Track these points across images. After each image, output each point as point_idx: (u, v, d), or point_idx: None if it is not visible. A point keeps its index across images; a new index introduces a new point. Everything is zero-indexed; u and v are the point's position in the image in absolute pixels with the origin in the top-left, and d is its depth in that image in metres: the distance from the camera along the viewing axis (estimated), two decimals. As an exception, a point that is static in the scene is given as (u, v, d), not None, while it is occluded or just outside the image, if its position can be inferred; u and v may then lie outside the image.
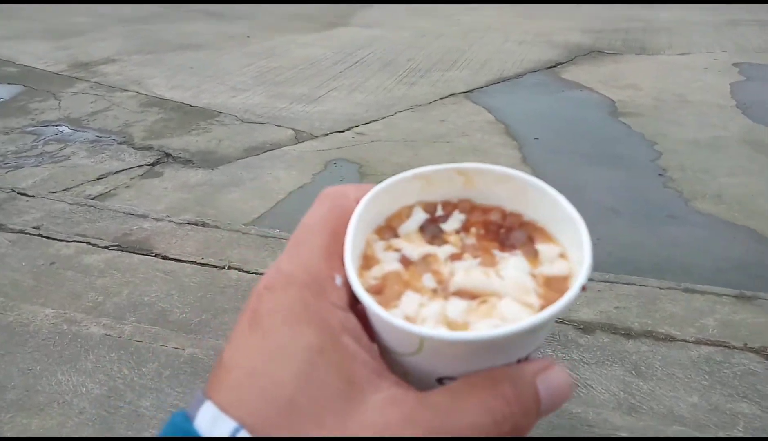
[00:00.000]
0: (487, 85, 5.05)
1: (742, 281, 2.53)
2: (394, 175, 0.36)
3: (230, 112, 4.66)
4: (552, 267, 0.32)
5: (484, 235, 0.34)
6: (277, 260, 0.32)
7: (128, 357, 1.79)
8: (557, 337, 2.04)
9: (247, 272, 2.51)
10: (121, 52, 6.13)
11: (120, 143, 4.20)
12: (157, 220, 3.00)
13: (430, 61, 5.69)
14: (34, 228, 2.89)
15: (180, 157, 3.97)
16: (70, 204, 3.22)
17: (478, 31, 6.67)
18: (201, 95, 5.01)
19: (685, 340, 2.00)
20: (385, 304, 0.30)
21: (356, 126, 4.35)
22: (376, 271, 0.32)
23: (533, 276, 0.31)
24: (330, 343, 0.28)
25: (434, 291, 0.31)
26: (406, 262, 0.33)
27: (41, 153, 4.07)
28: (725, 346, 1.95)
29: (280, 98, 4.92)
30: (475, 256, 0.32)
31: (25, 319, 2.05)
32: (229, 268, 2.54)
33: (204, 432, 0.26)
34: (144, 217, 3.03)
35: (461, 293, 0.31)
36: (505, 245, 0.33)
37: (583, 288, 0.29)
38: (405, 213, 0.35)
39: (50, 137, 4.34)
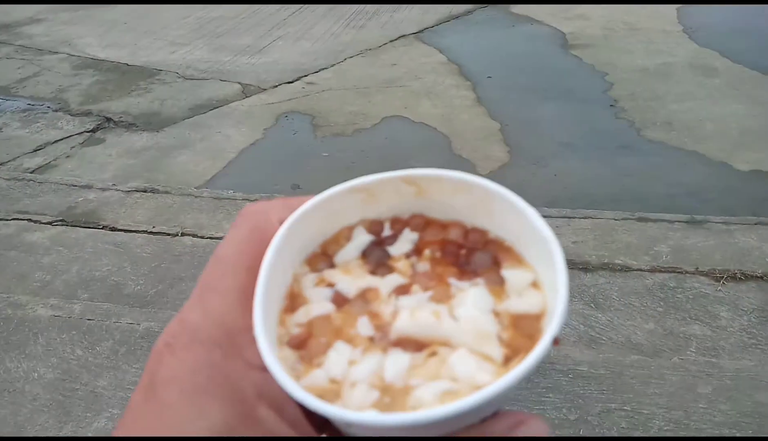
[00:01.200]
0: (437, 24, 4.92)
1: (693, 206, 2.60)
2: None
3: (171, 69, 4.42)
4: (521, 301, 0.26)
5: (440, 259, 0.28)
6: (183, 307, 0.26)
7: (81, 337, 1.72)
8: (518, 276, 2.06)
9: (202, 238, 2.43)
10: (45, 10, 5.68)
11: (55, 110, 3.94)
12: (103, 189, 2.86)
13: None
14: (-32, 209, 2.71)
15: (122, 121, 3.76)
16: (7, 179, 3.03)
17: (426, -33, 6.44)
18: (138, 53, 4.71)
19: (640, 269, 2.05)
20: (309, 361, 0.25)
21: (305, 75, 4.20)
22: (301, 315, 0.27)
23: (496, 314, 0.26)
24: (240, 420, 0.23)
25: (371, 340, 0.25)
26: (340, 300, 0.27)
27: (-32, 127, 3.80)
28: (678, 272, 2.01)
29: (223, 51, 4.68)
30: (427, 288, 0.27)
31: (-34, 307, 1.94)
32: (183, 234, 2.45)
33: None
34: (88, 187, 2.88)
35: (404, 342, 0.25)
36: (466, 271, 0.27)
37: (556, 341, 0.24)
38: (344, 235, 0.30)
39: (-24, 109, 4.04)
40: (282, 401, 0.25)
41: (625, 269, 2.06)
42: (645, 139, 3.25)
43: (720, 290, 1.90)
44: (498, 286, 0.27)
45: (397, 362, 0.25)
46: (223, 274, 0.27)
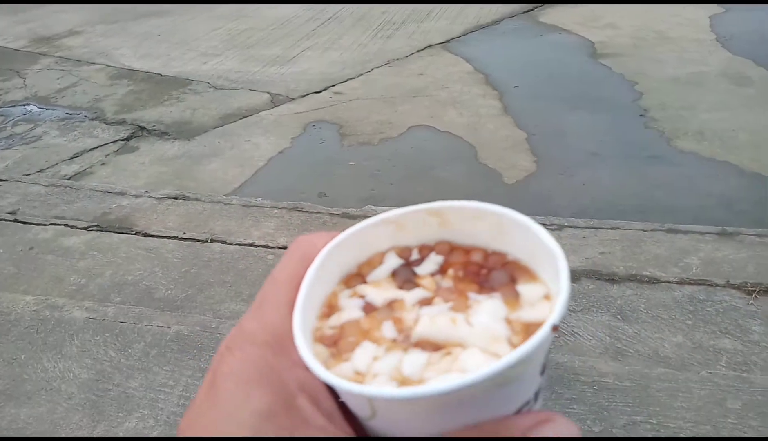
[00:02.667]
0: (464, 34, 4.93)
1: (724, 218, 2.55)
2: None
3: (202, 79, 4.53)
4: (532, 311, 0.29)
5: (462, 278, 0.31)
6: (241, 318, 0.31)
7: (113, 339, 1.78)
8: (543, 286, 2.05)
9: (231, 244, 2.48)
10: (83, 24, 5.89)
11: (92, 119, 4.08)
12: (136, 196, 2.94)
13: (404, 12, 5.53)
14: (9, 213, 2.82)
15: (155, 130, 3.87)
16: (46, 186, 3.14)
17: (453, -22, 6.47)
18: (171, 63, 4.85)
19: (668, 281, 2.02)
20: (338, 356, 0.28)
21: (333, 85, 4.25)
22: (335, 320, 0.30)
23: (509, 322, 0.28)
24: (282, 407, 0.27)
25: (393, 341, 0.28)
26: (369, 308, 0.31)
27: (10, 135, 3.95)
28: (708, 284, 1.97)
29: (253, 61, 4.78)
30: (448, 300, 0.30)
31: (5, 308, 2.02)
32: (212, 240, 2.51)
33: None
34: (122, 194, 2.97)
35: (423, 344, 0.28)
36: (484, 287, 0.30)
37: (555, 328, 0.26)
38: (377, 259, 0.33)
39: (18, 117, 4.20)
40: (319, 395, 0.28)
41: (653, 281, 2.03)
42: (676, 149, 3.20)
43: (752, 304, 1.86)
44: (513, 299, 0.29)
45: (415, 359, 0.27)
46: (276, 291, 0.32)
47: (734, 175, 2.93)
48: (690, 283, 2.00)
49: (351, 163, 3.32)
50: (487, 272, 0.31)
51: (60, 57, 5.12)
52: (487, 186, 3.02)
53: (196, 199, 2.87)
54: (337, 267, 0.32)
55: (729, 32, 4.50)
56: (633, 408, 1.46)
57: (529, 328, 0.28)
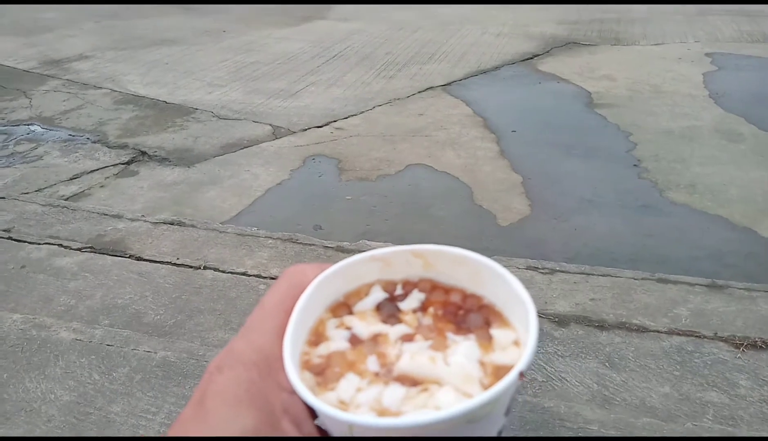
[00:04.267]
0: (465, 78, 5.05)
1: (714, 270, 2.57)
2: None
3: (207, 108, 4.61)
4: (503, 355, 0.31)
5: (441, 316, 0.34)
6: (231, 340, 0.33)
7: (99, 362, 1.76)
8: (533, 330, 2.05)
9: (223, 272, 2.48)
10: (93, 49, 6.01)
11: (94, 142, 4.12)
12: (132, 220, 2.96)
13: (407, 54, 5.67)
14: (4, 230, 2.83)
15: (156, 156, 3.91)
16: (43, 205, 3.16)
17: (455, 24, 6.66)
18: (177, 92, 4.94)
19: (657, 331, 2.02)
20: (324, 385, 0.30)
21: (335, 121, 4.33)
22: (323, 349, 0.32)
23: (482, 364, 0.31)
24: (267, 427, 0.28)
25: (376, 375, 0.31)
26: (355, 340, 0.32)
27: (12, 153, 3.99)
28: (696, 336, 1.98)
29: (258, 94, 4.87)
30: (428, 338, 0.32)
31: (-7, 325, 2.00)
32: (205, 267, 2.51)
33: None
34: (118, 217, 2.99)
35: (403, 379, 0.30)
36: (461, 328, 0.33)
37: (521, 375, 0.29)
38: (364, 291, 0.35)
39: (21, 137, 4.25)
40: (302, 419, 0.30)
41: (643, 330, 2.04)
42: (668, 200, 3.25)
43: (739, 357, 1.86)
44: (486, 341, 0.32)
45: (394, 393, 0.29)
46: (265, 317, 0.33)
47: (725, 229, 2.97)
48: (679, 334, 2.01)
49: (348, 197, 3.35)
50: (464, 313, 0.34)
51: (68, 80, 5.21)
52: (482, 227, 3.05)
53: (192, 226, 2.89)
54: (326, 296, 0.34)
55: (721, 89, 4.63)
56: (618, 457, 1.45)
57: (499, 371, 0.30)
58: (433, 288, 0.35)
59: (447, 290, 0.35)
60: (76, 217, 2.99)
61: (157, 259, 2.56)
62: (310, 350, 0.32)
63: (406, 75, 5.16)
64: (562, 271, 2.42)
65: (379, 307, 0.34)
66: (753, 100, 4.43)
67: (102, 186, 3.55)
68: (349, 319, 0.34)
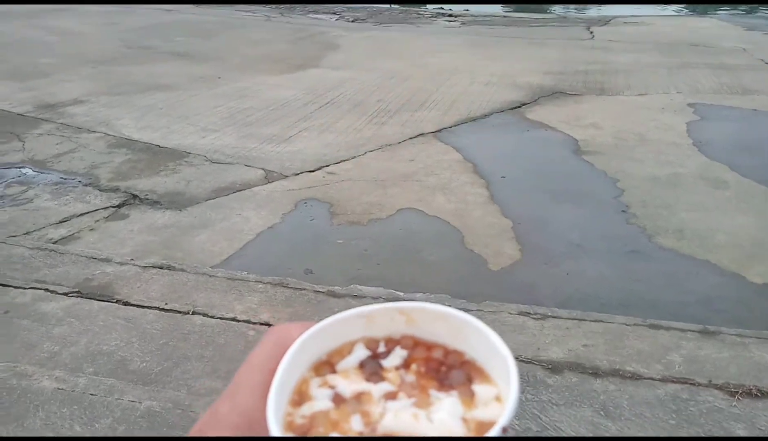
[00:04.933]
0: (455, 125, 5.15)
1: (705, 315, 2.58)
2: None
3: (200, 152, 4.64)
4: (486, 410, 0.32)
5: (424, 373, 0.34)
6: (215, 402, 0.33)
7: (81, 412, 1.71)
8: (526, 378, 2.03)
9: (212, 317, 2.45)
10: (88, 94, 6.09)
11: (85, 185, 4.12)
12: (121, 263, 2.93)
13: (399, 101, 5.79)
14: (-11, 275, 2.78)
15: (147, 199, 3.91)
16: (30, 248, 3.12)
17: (445, 73, 6.84)
18: (170, 136, 4.98)
19: (651, 378, 2.01)
20: None
21: (327, 165, 4.37)
22: (306, 409, 0.32)
23: (465, 420, 0.31)
24: None
25: (360, 434, 0.31)
26: (338, 399, 0.33)
27: (2, 196, 3.97)
28: (691, 383, 1.96)
29: (251, 138, 4.92)
30: (411, 396, 0.33)
31: (-27, 373, 1.95)
32: (194, 312, 2.48)
33: None
34: (107, 260, 2.96)
35: (387, 437, 0.31)
36: (444, 384, 0.33)
37: (504, 430, 0.29)
38: (347, 349, 0.36)
39: (12, 179, 4.24)
40: None
41: (637, 377, 2.02)
42: (656, 245, 3.28)
43: (735, 406, 1.84)
44: (469, 398, 0.33)
45: None
46: (251, 374, 0.33)
47: (714, 274, 3.00)
48: (673, 381, 2.00)
49: (339, 241, 3.35)
50: (446, 370, 0.34)
51: (62, 123, 5.25)
52: (472, 271, 3.05)
53: (182, 270, 2.86)
54: (309, 355, 0.35)
55: (704, 138, 4.76)
56: (616, 511, 1.41)
57: (482, 427, 0.31)
58: (415, 345, 0.36)
59: (429, 346, 0.36)
60: (63, 260, 2.95)
61: (145, 304, 2.52)
62: (293, 410, 0.32)
63: (398, 122, 5.26)
64: (554, 317, 2.41)
65: (362, 365, 0.35)
66: (735, 148, 4.55)
67: (92, 229, 3.52)
68: (332, 378, 0.34)
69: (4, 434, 1.68)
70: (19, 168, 4.41)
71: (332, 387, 0.33)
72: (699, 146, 4.60)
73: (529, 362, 2.09)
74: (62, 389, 1.82)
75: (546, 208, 3.70)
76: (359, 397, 0.33)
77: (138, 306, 2.50)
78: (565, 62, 7.24)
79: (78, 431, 1.65)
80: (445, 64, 7.29)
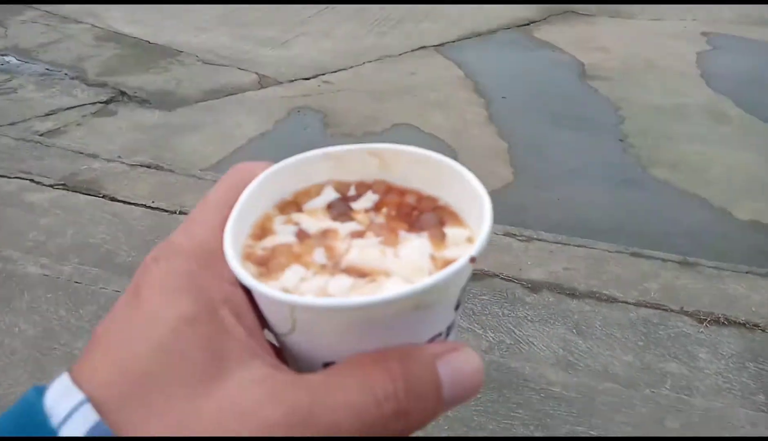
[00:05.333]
0: (459, 40, 4.95)
1: (688, 248, 2.61)
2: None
3: (192, 51, 4.47)
4: (456, 250, 0.30)
5: (394, 216, 0.32)
6: (171, 234, 0.31)
7: (66, 298, 1.74)
8: (505, 295, 2.07)
9: (199, 218, 2.45)
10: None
11: (72, 78, 3.99)
12: (108, 160, 2.89)
13: (402, 10, 5.53)
14: (-27, 162, 2.75)
15: (136, 97, 3.80)
16: (15, 139, 3.07)
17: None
18: (162, 32, 4.77)
19: (626, 302, 2.06)
20: (267, 275, 0.29)
21: (323, 74, 4.23)
22: (268, 242, 0.31)
23: (433, 258, 0.30)
24: (205, 315, 0.27)
25: (323, 266, 0.29)
26: (302, 235, 0.31)
27: (-15, 83, 3.85)
28: (663, 309, 2.02)
29: (246, 40, 4.73)
30: (379, 235, 0.31)
31: (-42, 256, 1.96)
32: (181, 212, 2.48)
33: (50, 406, 0.24)
34: (94, 156, 2.92)
35: (351, 270, 0.29)
36: (414, 227, 0.32)
37: (472, 259, 0.27)
38: (315, 190, 0.34)
39: (-4, 67, 4.09)
40: (242, 310, 0.28)
41: (612, 300, 2.07)
42: (650, 176, 3.26)
43: (702, 332, 1.90)
44: (439, 239, 0.31)
45: (341, 283, 0.28)
46: (207, 210, 0.31)
47: (702, 208, 3.00)
48: (646, 306, 2.05)
49: (331, 152, 3.31)
50: (418, 214, 0.33)
51: (46, 11, 5.00)
52: (463, 191, 3.04)
53: (170, 171, 2.83)
54: (273, 192, 0.33)
55: (714, 70, 4.61)
56: (576, 418, 1.49)
57: (450, 265, 0.29)
58: (388, 190, 0.34)
59: (402, 192, 0.34)
60: (50, 153, 2.91)
61: (132, 201, 2.52)
62: (253, 243, 0.31)
63: (400, 32, 5.04)
64: (539, 240, 2.43)
65: (330, 206, 0.33)
66: (743, 83, 4.42)
67: (79, 124, 3.45)
68: (297, 216, 0.32)
69: (-9, 316, 1.72)
70: (2, 55, 4.24)
71: (296, 223, 0.32)
72: (707, 78, 4.47)
73: (510, 280, 2.13)
74: (48, 276, 1.85)
75: (544, 132, 3.64)
76: (325, 234, 0.31)
77: (125, 202, 2.49)
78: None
79: (63, 315, 1.69)
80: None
